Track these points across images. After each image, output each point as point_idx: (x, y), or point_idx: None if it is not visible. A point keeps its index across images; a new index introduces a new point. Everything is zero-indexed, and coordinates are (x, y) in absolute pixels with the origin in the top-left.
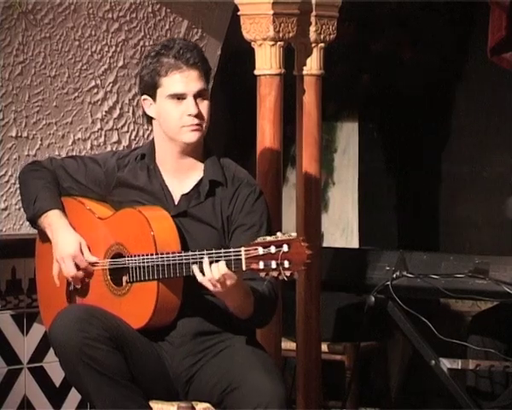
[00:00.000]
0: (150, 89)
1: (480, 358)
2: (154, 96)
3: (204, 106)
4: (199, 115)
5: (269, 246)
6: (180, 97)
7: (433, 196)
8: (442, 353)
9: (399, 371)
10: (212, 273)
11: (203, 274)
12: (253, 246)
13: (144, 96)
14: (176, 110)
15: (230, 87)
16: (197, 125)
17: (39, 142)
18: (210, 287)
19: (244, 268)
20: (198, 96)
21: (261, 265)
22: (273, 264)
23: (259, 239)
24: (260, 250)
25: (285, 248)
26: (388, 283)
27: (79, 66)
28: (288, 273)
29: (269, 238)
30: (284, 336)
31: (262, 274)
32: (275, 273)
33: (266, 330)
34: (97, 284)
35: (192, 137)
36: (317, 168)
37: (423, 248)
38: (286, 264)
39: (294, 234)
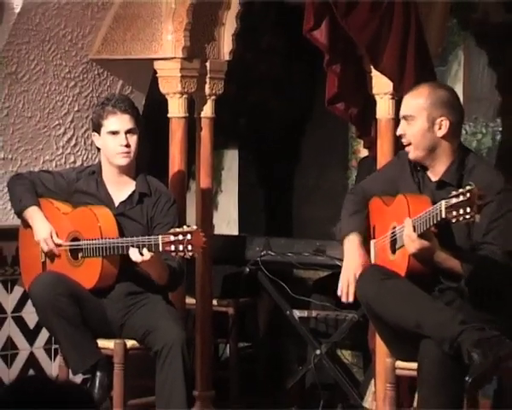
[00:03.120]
0: (97, 128)
1: (319, 309)
2: (99, 133)
3: (133, 140)
4: (128, 145)
5: (178, 235)
6: (115, 133)
7: (288, 200)
8: (294, 306)
9: (265, 319)
10: (142, 255)
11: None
12: (167, 235)
13: (94, 133)
14: (113, 142)
15: (152, 126)
16: (126, 152)
17: (19, 162)
18: (139, 262)
19: (160, 250)
20: (128, 132)
21: (172, 247)
22: (180, 247)
23: (172, 230)
24: (172, 238)
25: (188, 236)
26: (258, 259)
27: (47, 110)
28: (190, 254)
29: (178, 230)
30: (187, 294)
31: (173, 254)
32: (182, 254)
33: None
34: (61, 257)
35: (123, 161)
36: (210, 181)
37: (282, 235)
38: (189, 247)
39: (195, 227)
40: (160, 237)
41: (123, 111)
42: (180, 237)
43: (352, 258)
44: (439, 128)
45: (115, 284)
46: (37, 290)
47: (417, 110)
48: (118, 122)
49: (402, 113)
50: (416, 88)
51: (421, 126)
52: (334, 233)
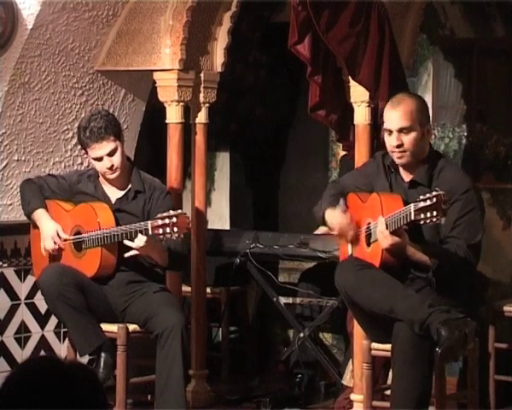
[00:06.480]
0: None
1: (304, 296)
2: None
3: (116, 157)
4: (112, 166)
5: (164, 219)
6: (99, 159)
7: (274, 197)
8: (280, 293)
9: (254, 305)
10: (138, 241)
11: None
12: (155, 220)
13: (83, 151)
14: (99, 165)
15: (151, 131)
16: (112, 171)
17: (32, 163)
18: (139, 249)
19: (150, 233)
20: (109, 154)
21: (160, 231)
22: (167, 229)
23: (159, 215)
24: (160, 222)
25: (174, 219)
26: (248, 250)
27: (57, 116)
28: (177, 234)
29: (164, 214)
30: (183, 283)
31: (161, 236)
32: (169, 235)
33: (173, 279)
34: (66, 250)
35: (111, 176)
36: (204, 180)
37: (269, 229)
38: (175, 229)
39: (180, 210)
40: (149, 222)
41: (101, 139)
42: (166, 221)
43: (335, 219)
44: (429, 134)
45: (115, 272)
46: (45, 281)
47: (411, 121)
48: (98, 151)
49: (397, 126)
50: (401, 101)
51: (416, 135)
52: (314, 212)
